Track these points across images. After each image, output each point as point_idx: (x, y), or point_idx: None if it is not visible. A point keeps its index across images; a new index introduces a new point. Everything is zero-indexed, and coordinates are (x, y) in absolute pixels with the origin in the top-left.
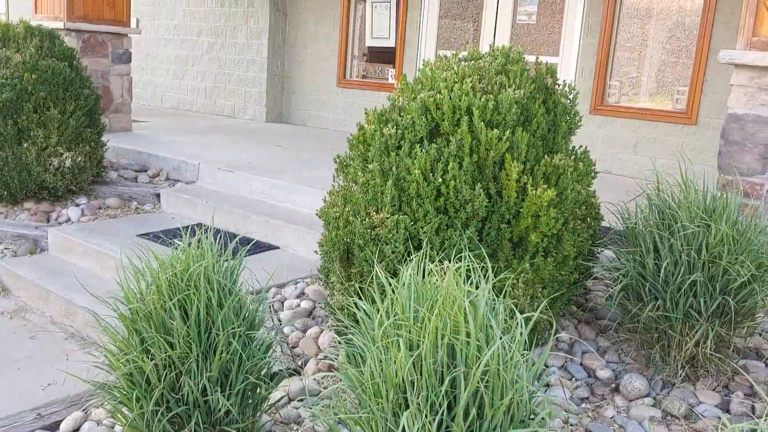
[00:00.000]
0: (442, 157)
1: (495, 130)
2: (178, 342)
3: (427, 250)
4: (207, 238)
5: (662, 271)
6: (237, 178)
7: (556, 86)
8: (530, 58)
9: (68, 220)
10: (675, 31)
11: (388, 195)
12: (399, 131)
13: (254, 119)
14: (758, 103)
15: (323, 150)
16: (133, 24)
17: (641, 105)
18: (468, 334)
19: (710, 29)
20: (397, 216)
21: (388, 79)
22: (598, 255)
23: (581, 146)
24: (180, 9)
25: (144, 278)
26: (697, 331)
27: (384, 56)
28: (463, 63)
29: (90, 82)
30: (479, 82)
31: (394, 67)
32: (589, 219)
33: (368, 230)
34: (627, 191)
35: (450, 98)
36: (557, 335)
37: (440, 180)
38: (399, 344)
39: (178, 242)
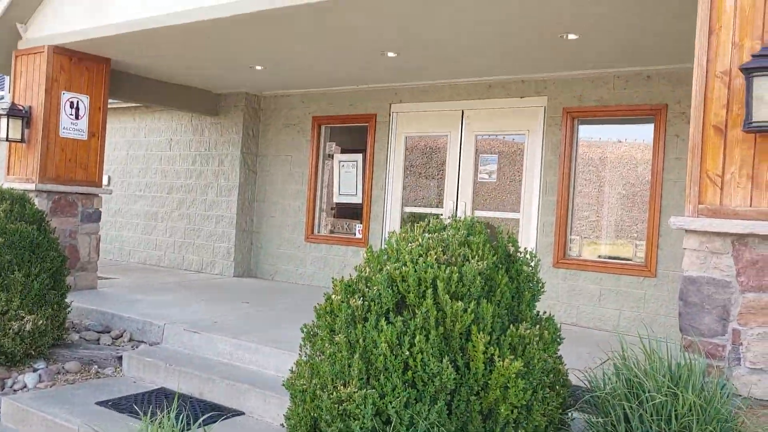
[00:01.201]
0: (408, 330)
1: (460, 303)
2: None
3: (396, 429)
4: (169, 419)
5: None
6: (202, 339)
7: (518, 253)
8: (492, 215)
9: (24, 386)
10: (629, 178)
11: (356, 368)
12: (366, 303)
13: (222, 274)
14: (711, 266)
15: (290, 307)
16: (104, 181)
17: (602, 253)
18: None
19: (660, 189)
20: (364, 390)
21: (355, 234)
22: (569, 422)
23: (545, 312)
24: (152, 167)
25: None
26: None
27: (351, 212)
28: (427, 235)
29: (57, 243)
30: (443, 254)
31: (361, 223)
32: (557, 386)
33: (335, 405)
34: (591, 356)
35: (415, 270)
36: None
37: (407, 353)
38: None
39: (137, 422)
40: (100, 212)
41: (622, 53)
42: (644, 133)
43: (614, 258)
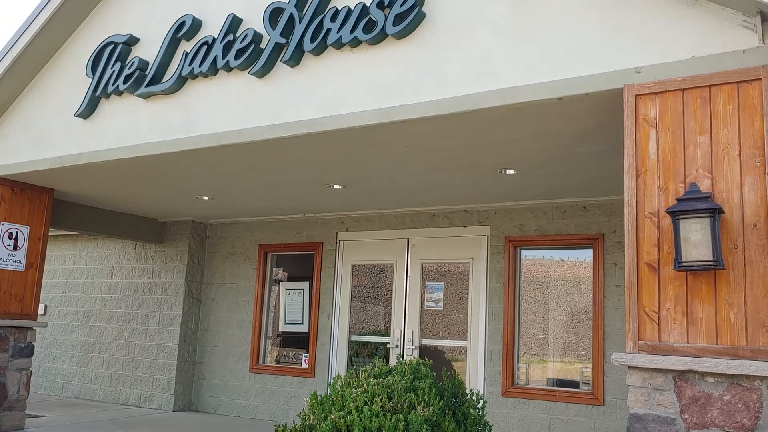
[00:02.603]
0: None
1: None
2: None
3: None
4: None
5: None
6: None
7: (465, 396)
8: (440, 342)
9: None
10: (573, 295)
11: None
12: None
13: (161, 408)
14: (655, 403)
15: None
16: (40, 311)
17: (551, 373)
18: None
19: (602, 318)
20: None
21: (301, 363)
22: None
23: None
24: (92, 295)
25: None
26: None
27: (298, 340)
28: (372, 380)
29: None
30: (389, 401)
31: (308, 352)
32: None
33: None
34: None
35: (360, 419)
36: None
37: None
38: None
39: None
40: (33, 346)
41: (558, 186)
42: (585, 253)
43: (562, 382)
